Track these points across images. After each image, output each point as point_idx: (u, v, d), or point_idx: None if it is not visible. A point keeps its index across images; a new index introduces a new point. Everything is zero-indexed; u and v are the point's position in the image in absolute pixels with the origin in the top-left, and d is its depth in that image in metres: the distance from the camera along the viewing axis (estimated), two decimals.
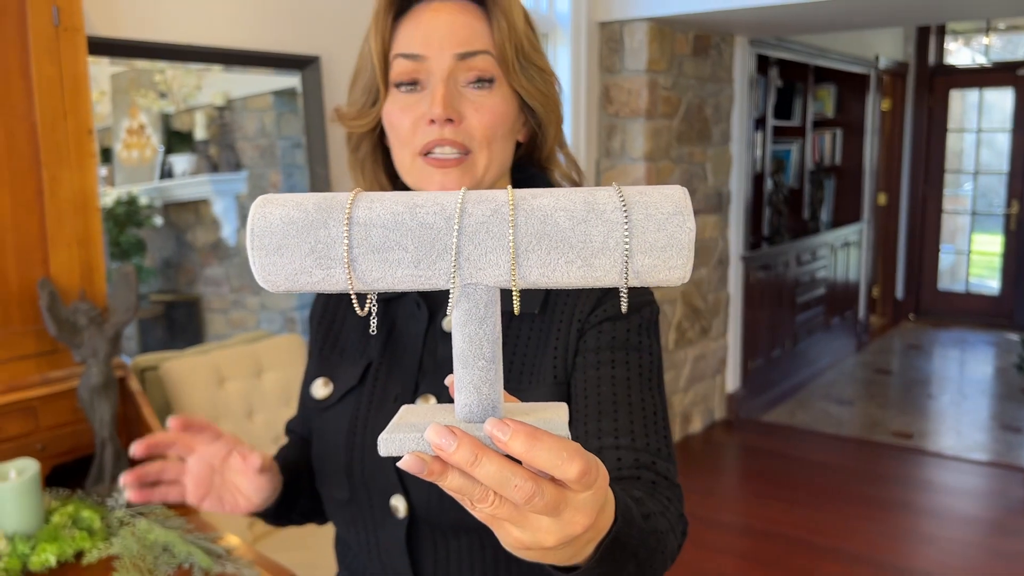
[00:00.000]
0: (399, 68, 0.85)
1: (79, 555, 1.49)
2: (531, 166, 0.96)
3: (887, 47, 6.28)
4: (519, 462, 0.45)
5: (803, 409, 4.93)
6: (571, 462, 0.44)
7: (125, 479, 0.87)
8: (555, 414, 0.49)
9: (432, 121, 0.83)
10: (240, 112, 2.77)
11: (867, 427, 4.64)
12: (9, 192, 1.61)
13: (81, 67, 1.69)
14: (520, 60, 0.86)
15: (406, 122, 0.85)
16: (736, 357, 4.73)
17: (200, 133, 2.73)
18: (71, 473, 1.74)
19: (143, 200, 2.59)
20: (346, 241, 0.47)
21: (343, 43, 2.62)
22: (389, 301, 0.93)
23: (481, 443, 0.44)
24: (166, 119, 2.65)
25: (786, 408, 4.94)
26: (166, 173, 2.68)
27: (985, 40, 6.99)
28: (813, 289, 5.52)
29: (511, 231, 0.46)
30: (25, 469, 1.51)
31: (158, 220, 2.66)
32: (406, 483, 0.86)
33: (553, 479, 0.46)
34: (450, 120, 0.83)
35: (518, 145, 0.93)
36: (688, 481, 3.88)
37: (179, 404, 2.06)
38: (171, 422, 0.87)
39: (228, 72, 2.50)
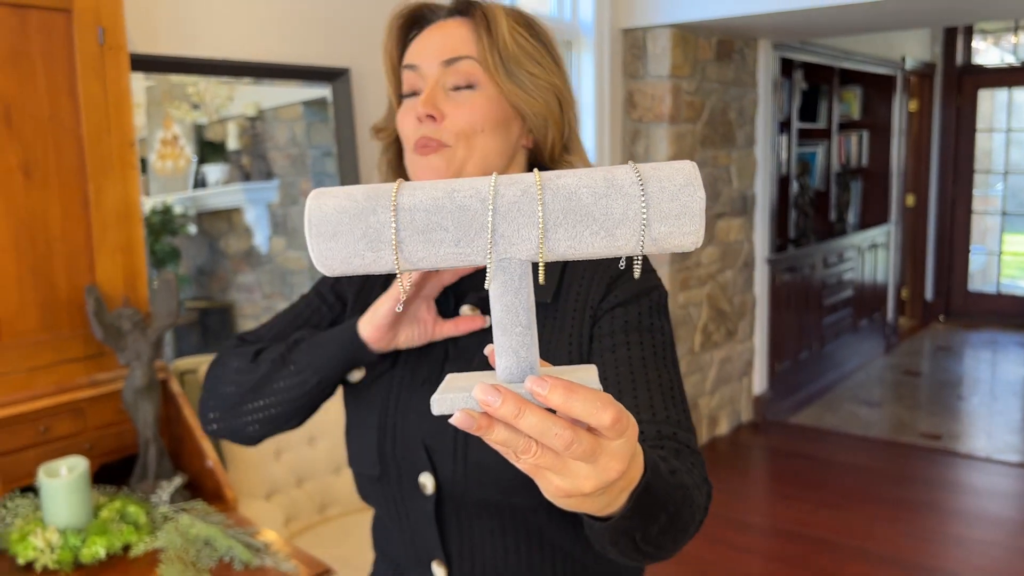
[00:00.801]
0: (405, 80, 0.96)
1: (126, 548, 1.57)
2: (541, 168, 1.02)
3: (914, 48, 6.26)
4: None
5: (831, 411, 4.92)
6: (604, 410, 0.49)
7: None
8: (586, 373, 0.54)
9: (419, 119, 0.92)
10: (271, 122, 2.83)
11: (895, 429, 4.63)
12: (59, 203, 1.70)
13: (124, 84, 1.77)
14: (507, 65, 0.93)
15: (407, 122, 0.95)
16: (763, 359, 4.74)
17: (232, 143, 2.79)
18: (116, 472, 1.82)
19: (177, 209, 2.64)
20: (393, 225, 0.52)
21: (372, 55, 2.69)
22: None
23: (523, 398, 0.49)
24: (199, 130, 2.71)
25: (814, 410, 4.94)
26: (199, 182, 2.72)
27: (1013, 39, 6.93)
28: (840, 291, 5.52)
29: (540, 208, 0.52)
30: (75, 466, 1.59)
31: (192, 228, 2.71)
32: (434, 461, 0.92)
33: (589, 428, 0.51)
34: (431, 117, 0.92)
35: (531, 152, 1.01)
36: (715, 482, 3.90)
37: None
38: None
39: (259, 84, 2.57)
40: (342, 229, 0.53)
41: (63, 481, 1.55)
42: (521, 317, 0.53)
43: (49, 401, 1.69)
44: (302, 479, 2.28)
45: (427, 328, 0.94)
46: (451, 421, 0.49)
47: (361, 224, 0.53)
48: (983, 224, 7.17)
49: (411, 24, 1.00)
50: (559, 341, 0.91)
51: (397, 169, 1.04)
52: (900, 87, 6.04)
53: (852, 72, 5.73)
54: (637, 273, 0.54)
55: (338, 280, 1.06)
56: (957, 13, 4.14)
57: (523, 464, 0.51)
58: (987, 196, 7.13)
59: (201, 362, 2.20)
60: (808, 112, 5.46)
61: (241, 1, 2.36)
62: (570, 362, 0.90)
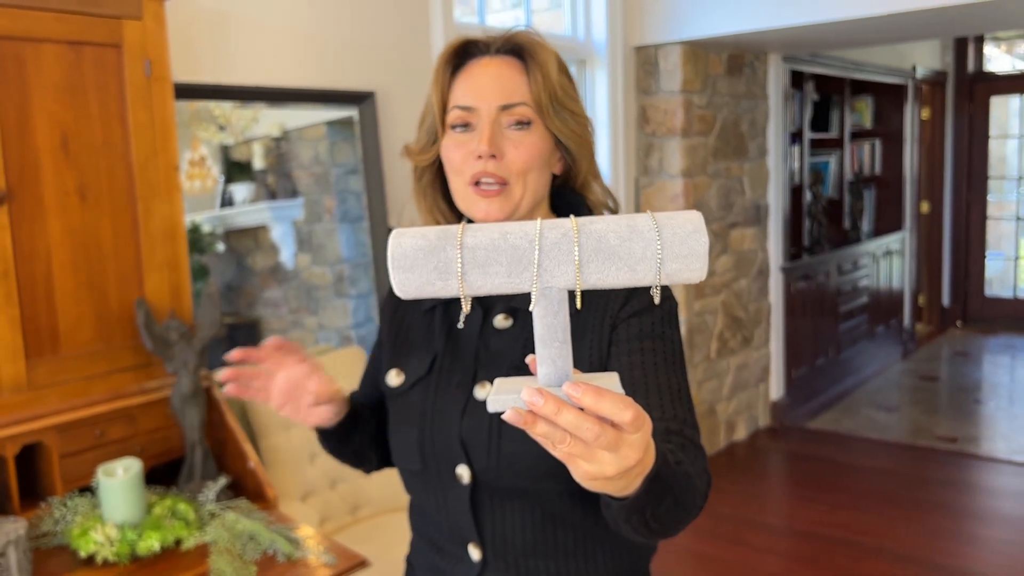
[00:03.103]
0: (455, 115, 1.05)
1: (178, 542, 1.69)
2: (569, 193, 1.13)
3: (924, 57, 6.33)
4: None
5: (848, 416, 4.98)
6: (626, 411, 0.61)
7: (224, 375, 1.06)
8: (610, 379, 0.66)
9: (479, 156, 1.02)
10: (295, 142, 2.92)
11: (912, 433, 4.69)
12: (111, 223, 1.83)
13: (169, 112, 1.91)
14: (554, 105, 1.04)
15: (458, 156, 1.04)
16: (779, 366, 4.82)
17: (258, 163, 2.88)
18: (164, 473, 1.95)
19: (206, 228, 2.72)
20: (459, 260, 0.65)
21: (396, 79, 2.83)
22: (449, 303, 1.11)
23: (561, 399, 0.61)
24: (225, 150, 2.79)
25: (831, 415, 5.00)
26: (226, 202, 2.80)
27: None
28: (856, 298, 5.58)
29: (576, 249, 0.65)
30: (130, 467, 1.71)
31: (220, 246, 2.79)
32: (469, 454, 1.03)
33: (612, 424, 0.63)
34: (493, 156, 1.02)
35: (555, 177, 1.12)
36: (732, 484, 3.99)
37: (255, 412, 2.25)
38: (269, 341, 1.07)
39: (286, 107, 2.68)
40: (418, 263, 0.66)
41: (120, 480, 1.67)
42: (559, 334, 0.66)
43: (104, 407, 1.82)
44: (335, 481, 2.39)
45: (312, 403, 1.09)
46: (504, 417, 0.62)
47: (433, 259, 0.65)
48: (999, 229, 7.21)
49: (459, 57, 1.08)
50: (581, 347, 1.01)
51: (437, 191, 1.14)
52: (911, 96, 6.11)
53: (863, 82, 5.81)
54: (657, 299, 0.65)
55: (380, 329, 1.22)
56: (966, 24, 4.22)
57: (559, 453, 0.64)
58: (1002, 202, 7.17)
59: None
60: (820, 122, 5.55)
61: (274, 31, 2.50)
62: (590, 363, 1.01)
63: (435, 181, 1.13)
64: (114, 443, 1.84)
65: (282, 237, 2.90)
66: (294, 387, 1.07)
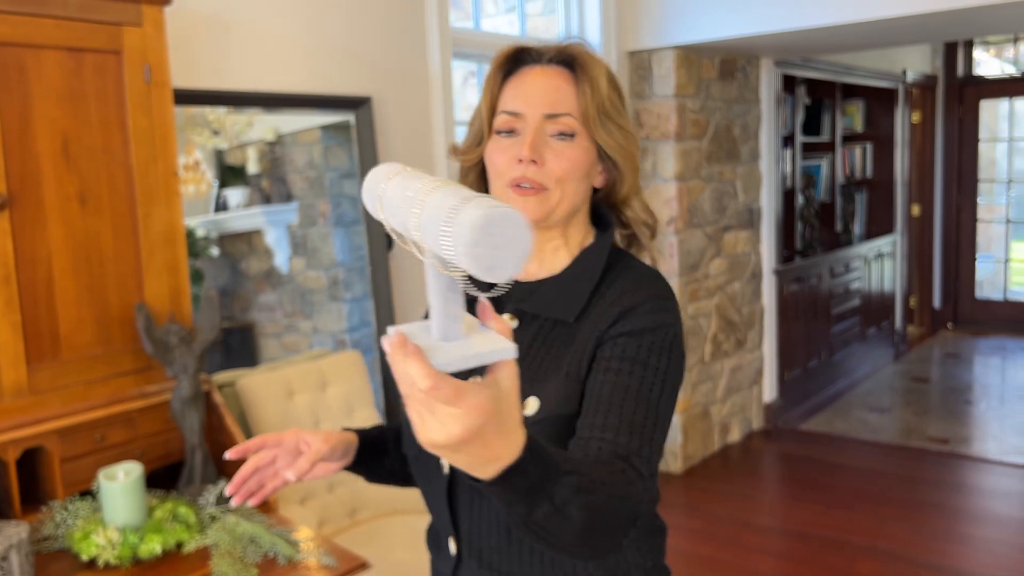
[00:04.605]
0: (501, 119, 1.07)
1: (179, 545, 1.70)
2: (608, 207, 1.14)
3: (914, 61, 6.38)
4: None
5: (840, 418, 5.02)
6: (425, 379, 0.64)
7: (230, 489, 1.11)
8: (484, 341, 0.70)
9: (520, 160, 1.04)
10: (290, 146, 2.92)
11: (904, 434, 4.72)
12: (111, 228, 1.84)
13: (168, 117, 1.92)
14: (601, 118, 1.05)
15: (501, 159, 1.06)
16: (772, 368, 4.85)
17: (252, 167, 2.88)
18: (163, 477, 1.96)
19: (200, 232, 2.72)
20: (381, 199, 0.75)
21: (393, 84, 2.84)
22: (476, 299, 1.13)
23: (408, 349, 0.65)
24: (220, 155, 2.79)
25: (823, 417, 5.03)
26: (221, 206, 2.81)
27: (1013, 50, 7.05)
28: (848, 300, 5.62)
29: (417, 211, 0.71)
30: (131, 470, 1.72)
31: (214, 251, 2.79)
32: None
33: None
34: (534, 162, 1.03)
35: (596, 190, 1.13)
36: (726, 486, 4.01)
37: (253, 416, 2.27)
38: (231, 454, 1.10)
39: (281, 111, 2.68)
40: (368, 191, 0.79)
41: (121, 484, 1.68)
42: (447, 288, 0.70)
43: (104, 412, 1.83)
44: (333, 485, 2.40)
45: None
46: (384, 348, 0.67)
47: (374, 191, 0.78)
48: (989, 232, 7.26)
49: (512, 63, 1.10)
50: (565, 356, 1.01)
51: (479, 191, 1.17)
52: (902, 99, 6.16)
53: (854, 86, 5.85)
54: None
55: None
56: (956, 29, 4.26)
57: (408, 407, 0.68)
58: (992, 204, 7.22)
59: (239, 375, 2.33)
60: (812, 126, 5.59)
61: (272, 37, 2.51)
62: (567, 374, 1.00)
63: (477, 183, 1.15)
64: (115, 447, 1.85)
65: (276, 241, 2.90)
66: (289, 460, 1.11)
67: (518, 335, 1.07)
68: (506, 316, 1.09)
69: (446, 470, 1.06)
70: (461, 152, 1.15)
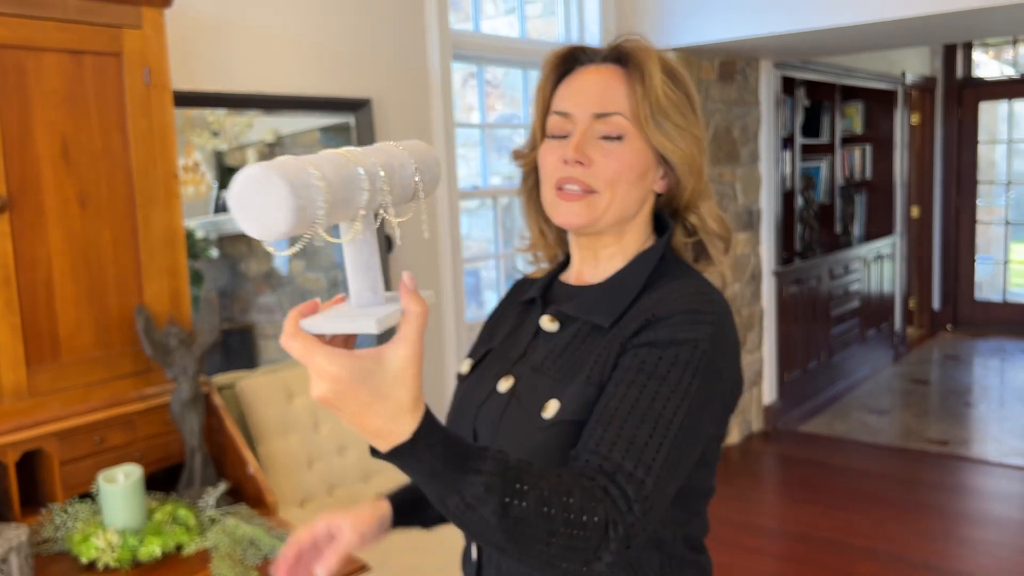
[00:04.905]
0: (553, 121, 1.04)
1: (179, 547, 1.70)
2: (671, 215, 1.08)
3: (914, 63, 6.39)
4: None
5: (840, 420, 5.02)
6: (283, 334, 0.71)
7: None
8: (368, 313, 0.74)
9: (565, 161, 1.00)
10: (289, 148, 2.91)
11: (904, 436, 4.72)
12: (110, 230, 1.84)
13: (168, 119, 1.92)
14: (655, 118, 0.99)
15: (548, 161, 1.03)
16: (772, 370, 4.85)
17: None
18: (163, 479, 1.95)
19: (199, 233, 2.70)
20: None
21: (392, 86, 2.84)
22: (531, 302, 1.12)
23: (296, 309, 0.73)
24: (219, 156, 2.78)
25: (823, 419, 5.03)
26: (220, 207, 2.79)
27: (1012, 52, 7.06)
28: (847, 302, 5.62)
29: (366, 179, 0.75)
30: (131, 473, 1.72)
31: (214, 252, 2.78)
32: (477, 436, 1.04)
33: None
34: (580, 163, 0.99)
35: (659, 196, 1.07)
36: (725, 488, 4.01)
37: (253, 417, 2.26)
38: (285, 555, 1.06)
39: (282, 113, 2.68)
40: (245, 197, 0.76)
41: (121, 486, 1.68)
42: (364, 261, 0.75)
43: (103, 414, 1.83)
44: (333, 487, 2.40)
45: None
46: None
47: (265, 190, 0.76)
48: (988, 234, 7.26)
49: (566, 63, 1.06)
50: (591, 360, 0.97)
51: (535, 198, 1.11)
52: (901, 101, 6.16)
53: (853, 88, 5.86)
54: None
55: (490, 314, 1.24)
56: (955, 31, 4.27)
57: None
58: (991, 206, 7.23)
59: (239, 377, 2.33)
60: (811, 128, 5.59)
61: (272, 39, 2.51)
62: (587, 377, 0.95)
63: (536, 188, 1.11)
64: (114, 449, 1.85)
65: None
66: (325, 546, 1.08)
67: (556, 337, 1.03)
68: (546, 318, 1.06)
69: None
70: (519, 156, 1.12)
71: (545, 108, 1.06)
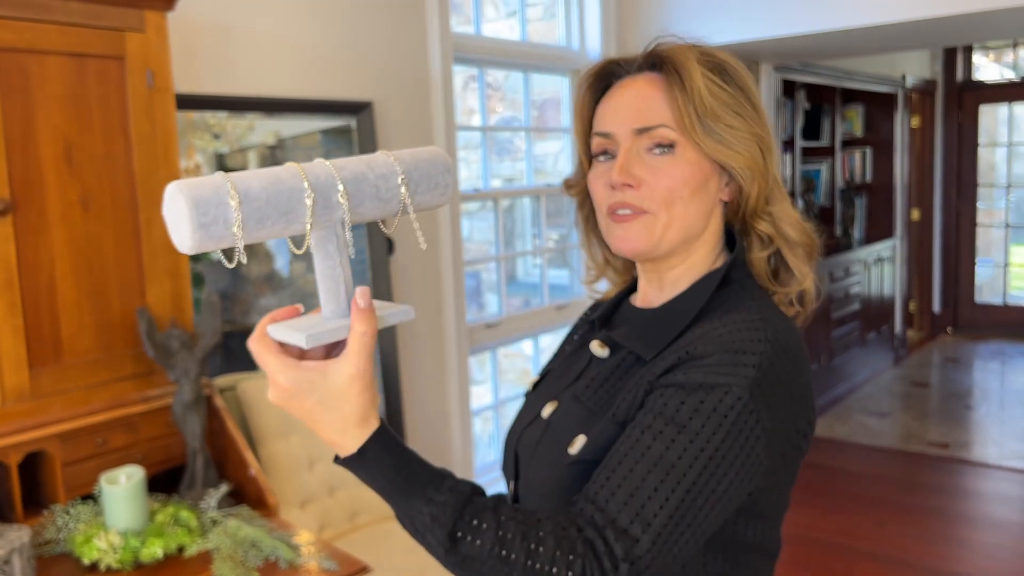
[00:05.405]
0: (596, 143, 0.96)
1: (181, 549, 1.71)
2: (740, 224, 0.98)
3: (914, 66, 6.40)
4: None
5: (840, 422, 5.02)
6: (266, 365, 0.75)
7: None
8: (324, 325, 0.75)
9: (614, 187, 0.92)
10: (291, 150, 2.92)
11: (904, 438, 4.72)
12: (113, 233, 1.85)
13: (171, 122, 1.93)
14: (703, 122, 0.89)
15: (598, 187, 0.95)
16: None
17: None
18: (164, 481, 1.96)
19: None
20: (237, 210, 0.71)
21: (394, 89, 2.85)
22: (593, 322, 1.07)
23: (268, 338, 0.76)
24: (220, 159, 2.81)
25: (823, 421, 5.04)
26: None
27: (1012, 55, 7.07)
28: (847, 305, 5.62)
29: (341, 186, 0.74)
30: (133, 475, 1.73)
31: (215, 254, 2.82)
32: (518, 469, 1.00)
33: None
34: (628, 185, 0.91)
35: (726, 204, 0.97)
36: None
37: (255, 419, 2.27)
38: None
39: (284, 116, 2.69)
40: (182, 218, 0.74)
41: (123, 488, 1.69)
42: (334, 272, 0.76)
43: (105, 416, 1.83)
44: (334, 488, 2.41)
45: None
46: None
47: (212, 211, 0.74)
48: (988, 236, 7.27)
49: (602, 80, 0.98)
50: (622, 395, 0.90)
51: (591, 225, 1.04)
52: (901, 104, 6.17)
53: (854, 91, 5.86)
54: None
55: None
56: (956, 34, 4.27)
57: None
58: (992, 209, 7.23)
59: (240, 379, 2.34)
60: (811, 130, 5.60)
61: (274, 42, 2.52)
62: (612, 414, 0.89)
63: (592, 215, 1.02)
64: (116, 451, 1.85)
65: (277, 244, 2.90)
66: None
67: (603, 364, 0.96)
68: (596, 342, 0.99)
69: (511, 490, 1.03)
70: (568, 186, 1.04)
71: (587, 130, 0.98)
